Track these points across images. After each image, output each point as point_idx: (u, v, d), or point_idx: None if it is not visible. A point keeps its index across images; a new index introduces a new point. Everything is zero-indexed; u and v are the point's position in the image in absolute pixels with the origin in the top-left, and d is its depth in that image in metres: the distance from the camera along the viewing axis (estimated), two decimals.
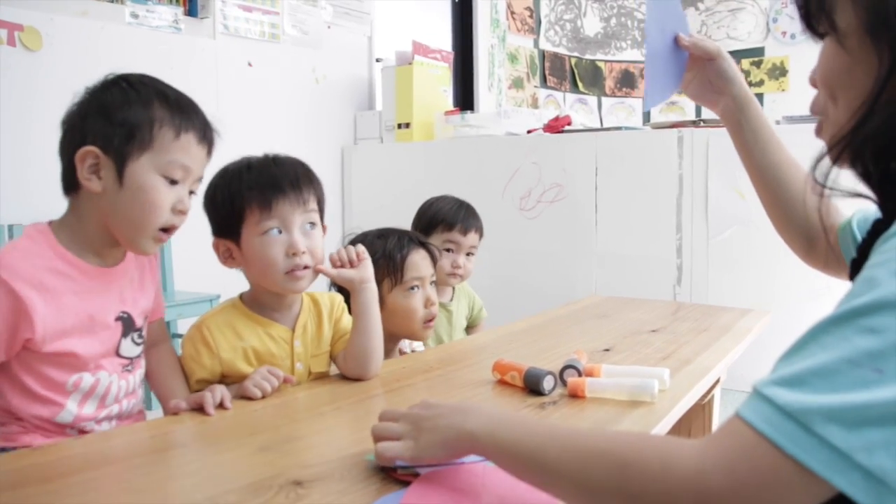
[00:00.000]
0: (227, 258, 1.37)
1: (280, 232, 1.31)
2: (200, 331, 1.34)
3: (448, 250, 2.14)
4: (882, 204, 0.73)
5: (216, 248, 1.37)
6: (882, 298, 0.59)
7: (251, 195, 1.31)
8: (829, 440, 0.58)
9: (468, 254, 2.17)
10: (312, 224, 1.35)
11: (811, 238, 1.17)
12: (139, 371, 1.30)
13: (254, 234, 1.31)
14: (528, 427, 0.80)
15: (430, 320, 1.70)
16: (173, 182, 1.18)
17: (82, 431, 1.21)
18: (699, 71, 1.29)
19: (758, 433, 0.60)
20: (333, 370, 1.50)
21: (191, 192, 1.24)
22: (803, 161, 0.89)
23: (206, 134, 1.23)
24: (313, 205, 1.36)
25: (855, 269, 0.75)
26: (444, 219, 2.18)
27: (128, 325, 1.24)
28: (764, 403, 0.61)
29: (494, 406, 1.21)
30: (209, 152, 1.25)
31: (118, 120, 1.14)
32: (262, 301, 1.38)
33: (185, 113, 1.20)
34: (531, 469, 0.78)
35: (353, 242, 1.70)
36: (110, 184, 1.14)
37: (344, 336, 1.44)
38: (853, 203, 0.79)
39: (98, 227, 1.18)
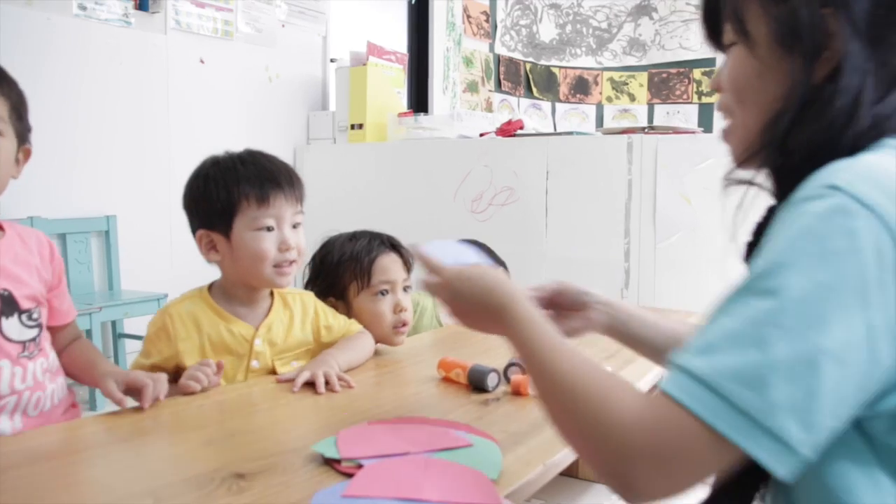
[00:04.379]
0: (209, 250, 1.38)
1: (272, 228, 1.35)
2: (163, 319, 1.35)
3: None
4: (780, 192, 0.77)
5: (199, 240, 1.38)
6: (776, 262, 0.64)
7: (249, 188, 1.33)
8: (735, 401, 0.61)
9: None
10: (299, 222, 1.40)
11: None
12: (42, 360, 1.25)
13: (247, 228, 1.34)
14: (544, 334, 0.85)
15: (400, 326, 1.63)
16: None
17: None
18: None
19: (674, 400, 0.64)
20: None
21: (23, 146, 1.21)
22: None
23: None
24: (301, 203, 1.40)
25: (749, 250, 0.80)
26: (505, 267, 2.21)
27: (8, 303, 1.20)
28: (679, 373, 0.65)
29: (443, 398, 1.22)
30: (8, 93, 1.19)
31: None
32: (232, 294, 1.40)
33: None
34: (524, 360, 0.86)
35: (326, 244, 1.70)
36: None
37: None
38: None
39: None
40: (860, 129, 0.70)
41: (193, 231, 1.39)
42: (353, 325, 1.53)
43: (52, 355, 1.30)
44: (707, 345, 0.65)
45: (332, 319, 1.50)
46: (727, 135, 0.84)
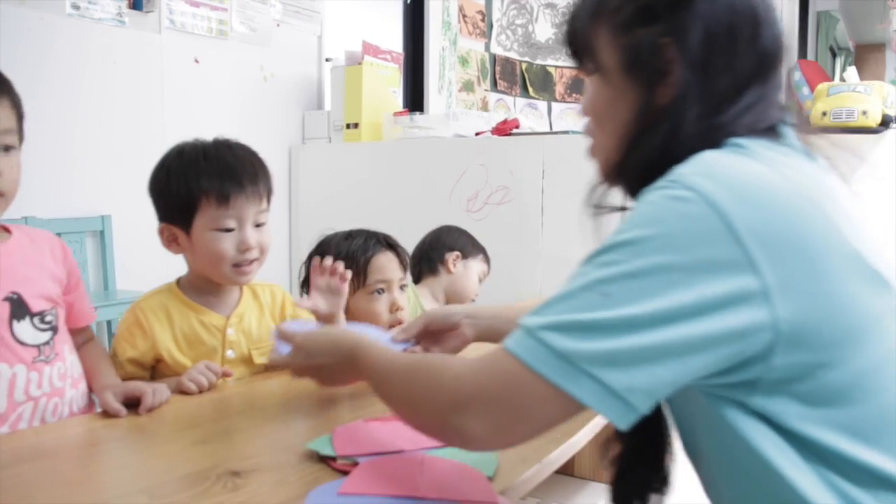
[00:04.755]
0: (170, 243, 1.37)
1: (233, 228, 1.32)
2: (135, 313, 1.34)
3: (480, 281, 2.34)
4: None
5: (161, 232, 1.37)
6: (616, 240, 0.72)
7: (210, 187, 1.30)
8: (556, 347, 0.68)
9: None
10: (263, 222, 1.37)
11: None
12: (60, 364, 1.22)
13: (207, 228, 1.32)
14: (383, 354, 0.93)
15: (396, 325, 1.61)
16: None
17: None
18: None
19: (506, 350, 0.72)
20: None
21: (7, 148, 1.17)
22: None
23: None
24: (266, 201, 1.37)
25: None
26: (485, 254, 2.42)
27: (18, 306, 1.17)
28: (517, 330, 0.73)
29: None
30: (10, 103, 1.16)
31: None
32: (200, 287, 1.39)
33: None
34: (375, 385, 0.92)
35: (322, 243, 1.70)
36: None
37: None
38: None
39: None
40: (692, 144, 0.77)
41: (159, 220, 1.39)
42: None
43: (71, 360, 1.26)
44: (543, 306, 0.73)
45: (300, 312, 1.50)
46: (591, 153, 0.92)
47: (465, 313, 1.27)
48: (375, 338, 1.09)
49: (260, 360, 1.41)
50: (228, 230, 1.32)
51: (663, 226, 0.70)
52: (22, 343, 1.17)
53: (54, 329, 1.22)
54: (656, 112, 0.80)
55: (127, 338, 1.33)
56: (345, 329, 1.09)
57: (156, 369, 1.35)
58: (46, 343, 1.21)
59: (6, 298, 1.16)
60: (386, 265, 1.63)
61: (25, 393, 1.16)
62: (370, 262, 1.62)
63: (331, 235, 1.71)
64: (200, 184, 1.31)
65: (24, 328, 1.18)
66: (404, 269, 1.68)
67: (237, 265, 1.34)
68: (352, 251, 1.63)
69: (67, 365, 1.24)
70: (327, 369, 1.05)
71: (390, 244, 1.68)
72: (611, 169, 0.88)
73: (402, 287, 1.66)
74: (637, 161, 0.82)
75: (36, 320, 1.20)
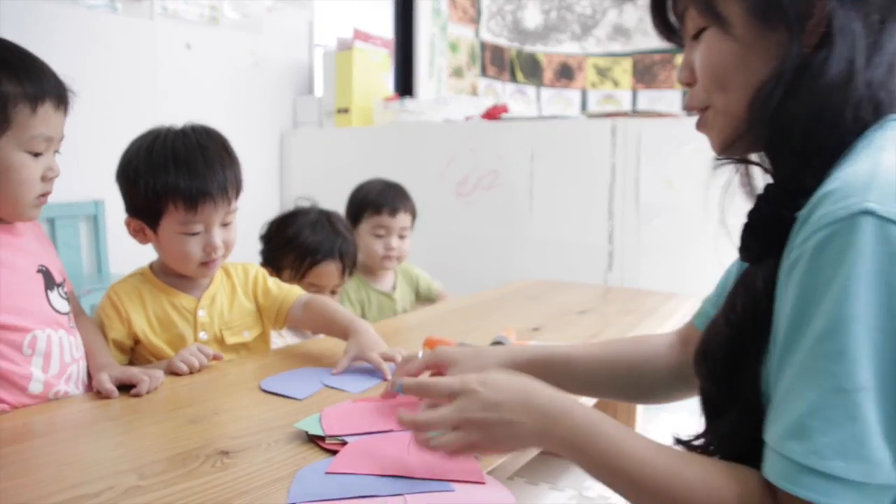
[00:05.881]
0: (137, 233, 1.39)
1: (200, 232, 1.34)
2: (110, 298, 1.37)
3: (378, 236, 2.12)
4: (779, 171, 0.76)
5: (127, 224, 1.39)
6: (834, 317, 0.60)
7: (177, 194, 1.31)
8: (848, 478, 0.59)
9: (401, 236, 2.16)
10: (229, 222, 1.39)
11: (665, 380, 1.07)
12: (78, 333, 1.28)
13: (174, 230, 1.34)
14: (612, 443, 0.75)
15: None
16: (37, 154, 1.15)
17: None
18: None
19: (789, 494, 0.62)
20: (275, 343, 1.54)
21: (56, 152, 1.21)
22: None
23: (61, 98, 1.17)
24: (235, 203, 1.38)
25: (745, 244, 0.77)
26: (371, 203, 2.16)
27: (48, 277, 1.21)
28: (783, 461, 0.63)
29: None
30: (66, 111, 1.19)
31: None
32: (171, 271, 1.41)
33: (36, 81, 1.13)
34: (609, 482, 0.76)
35: (291, 215, 1.73)
36: None
37: (283, 307, 1.48)
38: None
39: None
40: (857, 97, 0.68)
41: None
42: (295, 290, 1.53)
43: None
44: (798, 425, 0.62)
45: (270, 284, 1.51)
46: (705, 126, 0.81)
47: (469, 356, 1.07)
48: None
49: (232, 340, 1.44)
50: (195, 234, 1.34)
51: (883, 284, 0.59)
52: (57, 311, 1.21)
53: (69, 300, 1.27)
54: (803, 63, 0.69)
55: (106, 322, 1.35)
56: (527, 377, 0.84)
57: (134, 351, 1.38)
58: (68, 312, 1.25)
59: (39, 270, 1.20)
60: (326, 276, 1.75)
61: (71, 356, 1.22)
62: (314, 267, 1.73)
63: (304, 211, 1.77)
64: (168, 190, 1.31)
65: (56, 298, 1.22)
66: (344, 277, 1.79)
67: (203, 263, 1.37)
68: (305, 247, 1.73)
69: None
70: (512, 428, 0.79)
71: (342, 253, 1.77)
72: (738, 133, 0.76)
73: (333, 292, 1.77)
74: (788, 120, 0.70)
75: (60, 290, 1.24)
